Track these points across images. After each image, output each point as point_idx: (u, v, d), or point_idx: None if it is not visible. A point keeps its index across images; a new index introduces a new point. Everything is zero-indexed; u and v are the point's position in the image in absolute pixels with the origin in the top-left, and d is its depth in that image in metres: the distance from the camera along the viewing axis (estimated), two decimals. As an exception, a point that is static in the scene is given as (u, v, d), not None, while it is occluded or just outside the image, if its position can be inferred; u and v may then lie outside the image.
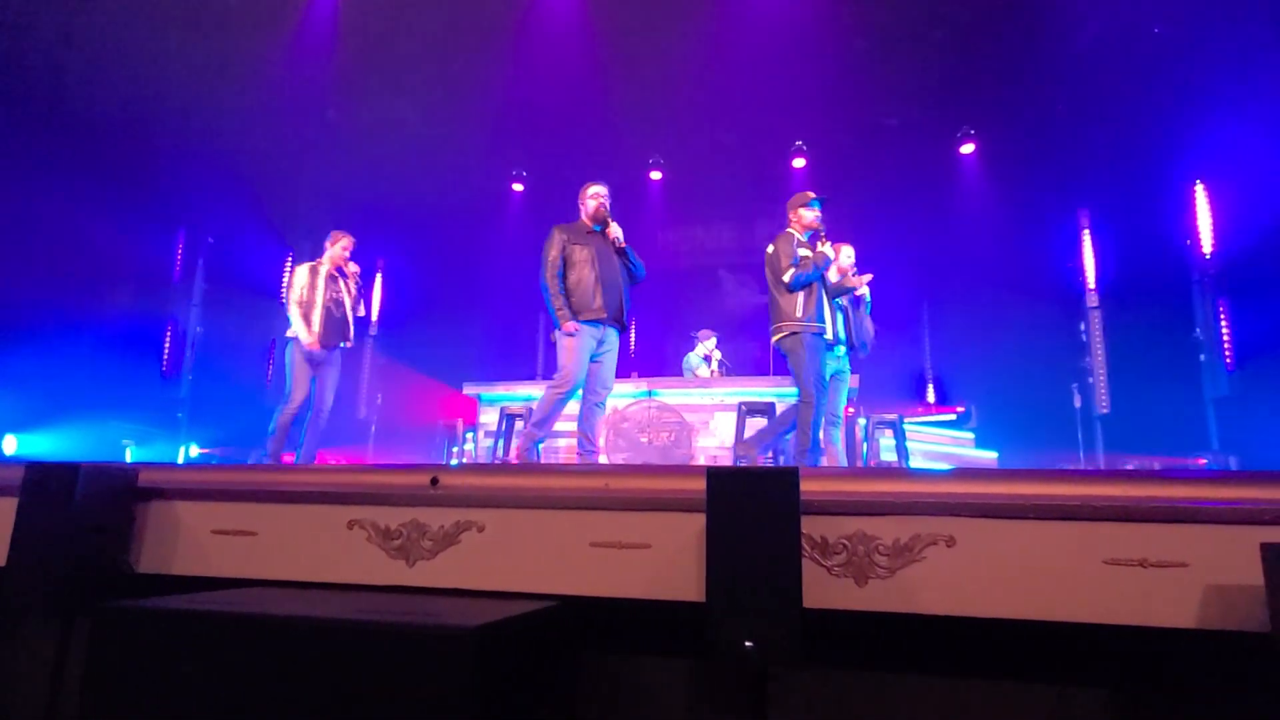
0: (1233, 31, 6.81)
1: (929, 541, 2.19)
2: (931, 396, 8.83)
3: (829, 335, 4.68)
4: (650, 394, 6.38)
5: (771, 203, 9.90)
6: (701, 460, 6.10)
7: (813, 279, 4.55)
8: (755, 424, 5.61)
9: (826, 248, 4.66)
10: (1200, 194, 7.53)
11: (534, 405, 4.73)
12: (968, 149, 9.10)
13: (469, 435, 7.30)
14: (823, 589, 2.20)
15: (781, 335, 4.58)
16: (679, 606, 2.27)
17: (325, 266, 5.31)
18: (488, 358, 9.01)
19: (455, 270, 9.64)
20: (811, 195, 4.82)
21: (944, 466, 4.91)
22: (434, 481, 2.63)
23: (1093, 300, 8.38)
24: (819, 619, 2.15)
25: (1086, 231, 8.54)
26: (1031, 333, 8.24)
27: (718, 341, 7.35)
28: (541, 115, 9.07)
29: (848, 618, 2.20)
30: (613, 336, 4.52)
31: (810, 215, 4.75)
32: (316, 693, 1.72)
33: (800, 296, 4.54)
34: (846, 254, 5.35)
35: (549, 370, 8.95)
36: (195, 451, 8.53)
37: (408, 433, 8.98)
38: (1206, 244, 7.45)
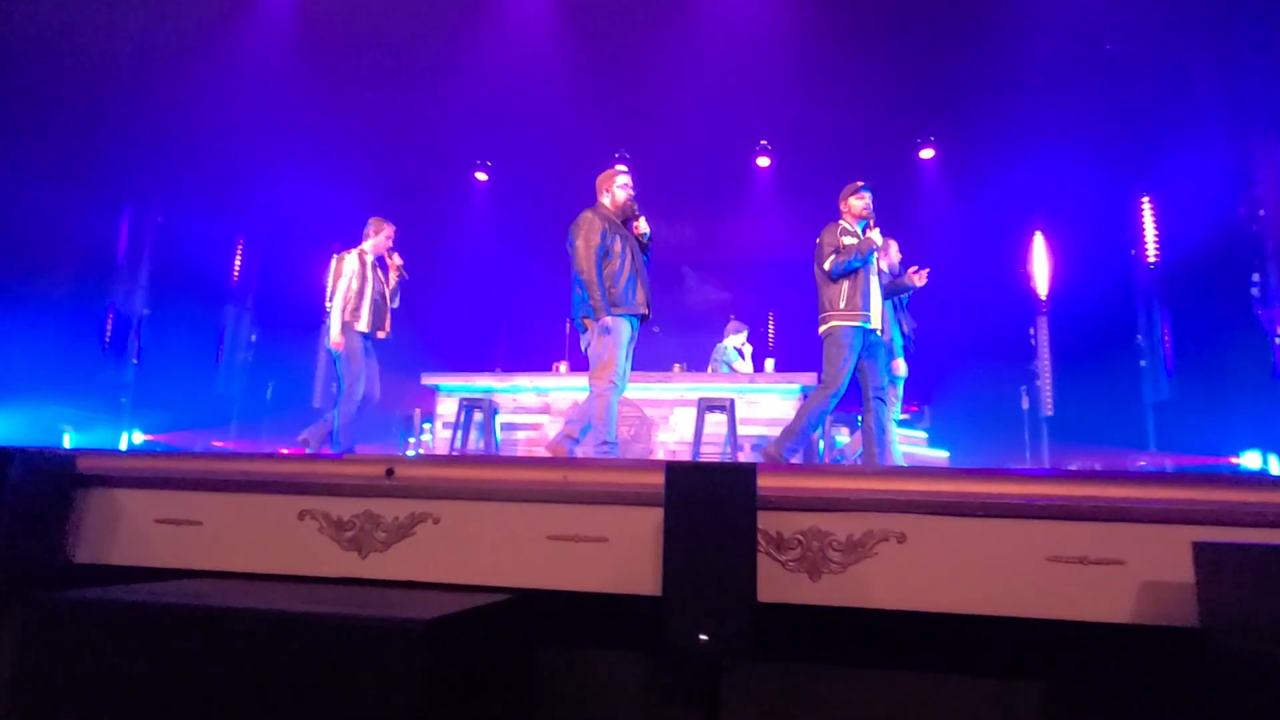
0: (1178, 52, 7.07)
1: (881, 538, 2.23)
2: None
3: (874, 325, 4.51)
4: (611, 388, 6.38)
5: (735, 200, 10.00)
6: (661, 455, 6.12)
7: (855, 266, 4.43)
8: (715, 420, 5.65)
9: (875, 234, 4.52)
10: (1146, 206, 7.81)
11: (574, 415, 4.34)
12: (927, 154, 9.30)
13: (426, 426, 7.21)
14: (777, 583, 2.23)
15: (826, 326, 4.51)
16: (635, 600, 2.28)
17: (370, 256, 5.22)
18: (446, 347, 8.88)
19: (415, 258, 9.48)
20: (860, 184, 4.71)
21: (897, 465, 5.03)
22: (389, 472, 2.59)
23: (1042, 306, 8.63)
24: (773, 613, 2.17)
25: (1038, 238, 8.79)
26: (984, 336, 8.48)
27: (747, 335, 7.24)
28: (508, 105, 8.96)
29: (801, 611, 2.23)
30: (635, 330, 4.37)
31: (859, 204, 4.63)
32: (263, 686, 1.68)
33: (844, 286, 4.44)
34: (894, 249, 5.35)
35: (510, 361, 8.88)
36: (139, 438, 8.26)
37: (363, 423, 8.82)
38: (1151, 254, 7.74)
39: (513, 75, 8.52)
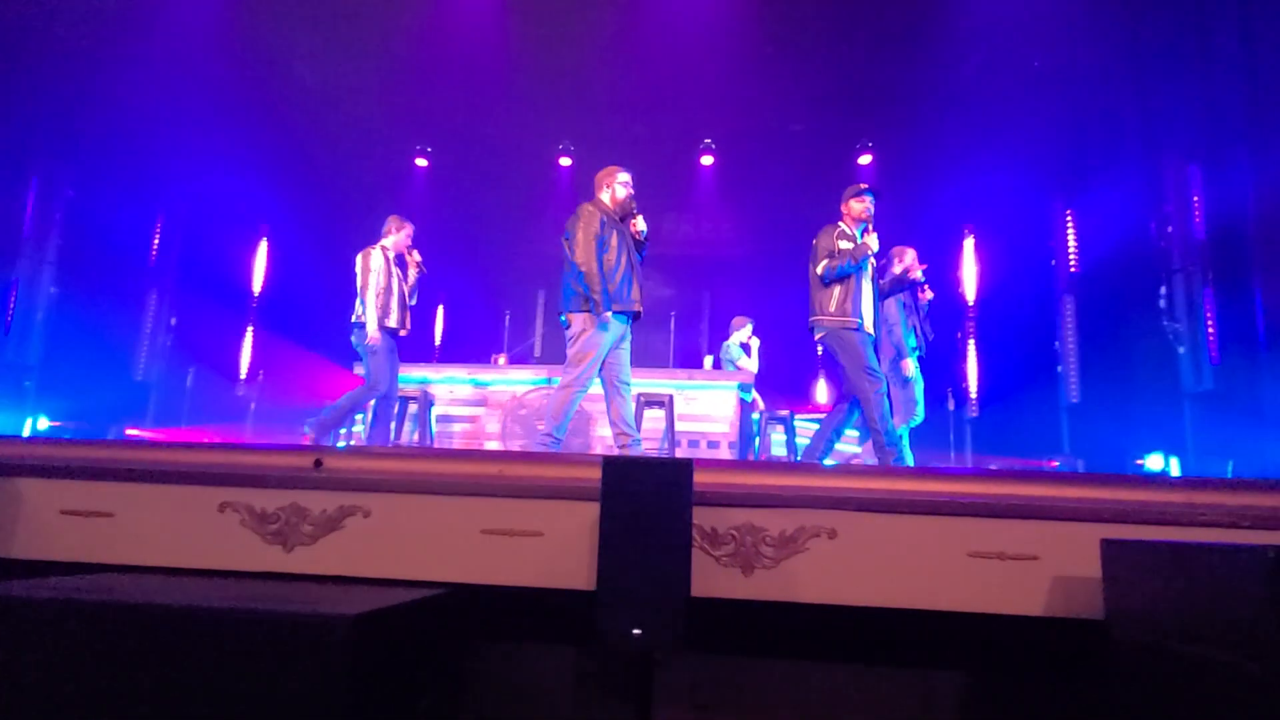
0: (1100, 74, 7.45)
1: (813, 533, 2.28)
2: (823, 395, 9.20)
3: (869, 329, 4.45)
4: (550, 381, 6.34)
5: (679, 197, 10.04)
6: (599, 450, 6.12)
7: (848, 272, 4.36)
8: (653, 415, 5.67)
9: (872, 239, 4.45)
10: (1069, 219, 8.20)
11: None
12: (865, 159, 9.54)
13: (358, 417, 7.01)
14: (710, 578, 2.25)
15: (820, 332, 4.46)
16: (569, 595, 2.27)
17: (390, 252, 5.23)
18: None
19: (349, 243, 9.19)
20: (863, 186, 4.65)
21: (829, 462, 5.15)
22: (317, 463, 2.51)
23: (970, 310, 8.96)
24: (706, 607, 2.20)
25: (968, 245, 9.12)
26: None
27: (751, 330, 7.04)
28: (451, 90, 8.78)
29: (733, 606, 2.27)
30: (628, 327, 4.31)
31: (860, 207, 4.56)
32: (180, 686, 1.61)
33: (836, 290, 4.37)
34: (912, 256, 5.29)
35: (446, 353, 8.71)
36: (44, 424, 7.77)
37: (291, 412, 8.52)
38: (1071, 264, 8.13)
39: (456, 60, 8.35)
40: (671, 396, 5.53)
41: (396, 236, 5.31)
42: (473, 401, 6.32)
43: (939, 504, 2.30)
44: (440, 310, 9.46)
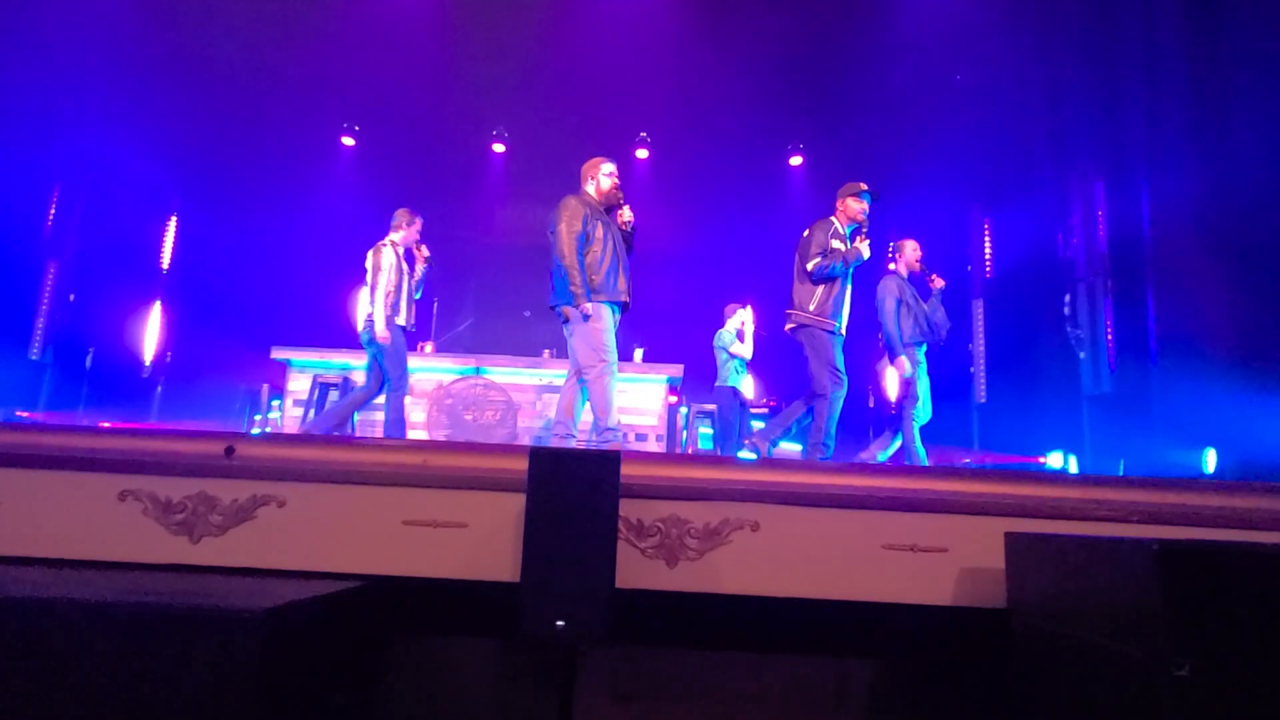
0: (1016, 90, 7.83)
1: (736, 526, 2.33)
2: (749, 390, 9.38)
3: (842, 332, 4.46)
4: (478, 371, 6.24)
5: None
6: (526, 441, 6.06)
7: (837, 273, 4.36)
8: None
9: (864, 246, 4.43)
10: (985, 227, 8.59)
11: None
12: (796, 161, 9.76)
13: (275, 403, 6.74)
14: (635, 570, 2.27)
15: (793, 325, 4.45)
16: (494, 587, 2.25)
17: (400, 248, 5.17)
18: (301, 320, 8.31)
19: (268, 222, 8.80)
20: (863, 186, 4.57)
21: (753, 456, 5.25)
22: (229, 451, 2.40)
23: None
24: (630, 598, 2.21)
25: (890, 250, 9.44)
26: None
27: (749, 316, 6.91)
28: (381, 69, 8.50)
29: (658, 597, 2.29)
30: (617, 318, 4.22)
31: (857, 207, 4.52)
32: (72, 687, 1.51)
33: (820, 290, 4.36)
34: (912, 248, 5.28)
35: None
36: (-79, 406, 7.16)
37: (202, 397, 8.10)
38: (986, 269, 8.53)
39: (388, 38, 8.10)
40: (601, 389, 5.52)
41: (406, 231, 5.23)
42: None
43: (857, 498, 2.38)
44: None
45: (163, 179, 8.45)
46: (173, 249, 8.95)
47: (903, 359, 5.04)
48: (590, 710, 2.41)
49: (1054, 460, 6.76)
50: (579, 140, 9.14)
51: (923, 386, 5.09)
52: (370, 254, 5.08)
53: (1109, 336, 6.64)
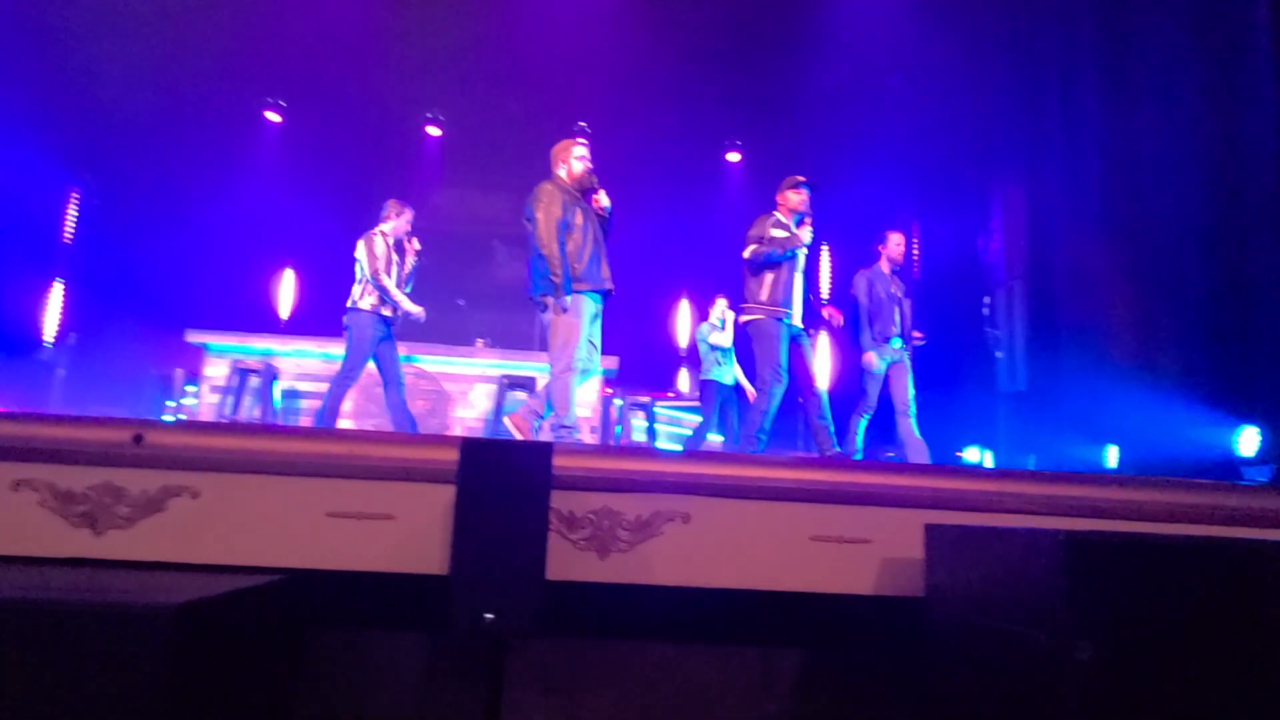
0: (944, 96, 8.12)
1: (667, 518, 2.34)
2: (684, 383, 9.46)
3: (795, 321, 4.50)
4: (409, 359, 6.09)
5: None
6: (458, 431, 5.96)
7: (775, 259, 4.41)
8: (515, 397, 5.61)
9: (805, 232, 4.49)
10: (914, 229, 8.89)
11: (530, 397, 4.18)
12: (734, 157, 9.87)
13: (190, 389, 6.42)
14: (566, 561, 2.26)
15: (746, 319, 4.48)
16: (421, 579, 2.21)
17: (390, 238, 5.09)
18: (220, 302, 7.93)
19: (184, 197, 8.35)
20: (800, 178, 4.65)
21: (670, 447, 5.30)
22: (137, 438, 2.27)
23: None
24: (560, 590, 2.20)
25: (823, 251, 9.66)
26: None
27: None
28: (310, 40, 8.16)
29: (588, 588, 2.29)
30: (600, 306, 4.14)
31: (796, 198, 4.58)
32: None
33: (768, 278, 4.42)
34: (896, 241, 5.39)
35: (295, 325, 8.14)
36: None
37: (109, 381, 7.63)
38: (914, 271, 8.83)
39: (315, 10, 7.79)
40: (535, 379, 5.48)
41: (396, 222, 5.14)
42: (322, 377, 5.95)
43: (785, 490, 2.43)
44: (290, 278, 8.80)
45: (60, 145, 7.88)
46: (76, 223, 8.39)
47: (871, 354, 5.18)
48: (519, 703, 2.39)
49: (970, 455, 7.07)
50: (519, 127, 9.03)
51: (907, 380, 5.32)
52: (360, 243, 4.98)
53: (1024, 337, 6.98)
